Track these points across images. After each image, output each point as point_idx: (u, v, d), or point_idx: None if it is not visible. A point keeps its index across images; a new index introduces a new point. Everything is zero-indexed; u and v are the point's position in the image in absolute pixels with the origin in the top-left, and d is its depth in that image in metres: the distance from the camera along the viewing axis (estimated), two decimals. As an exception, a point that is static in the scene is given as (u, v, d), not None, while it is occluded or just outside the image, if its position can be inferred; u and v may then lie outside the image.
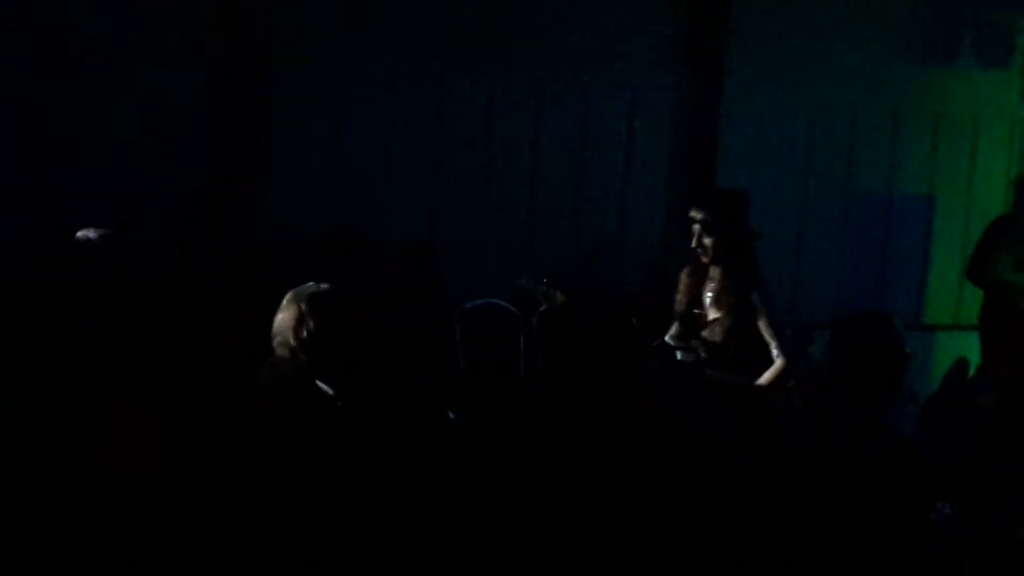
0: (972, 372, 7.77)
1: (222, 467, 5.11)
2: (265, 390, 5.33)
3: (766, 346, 6.92)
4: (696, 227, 6.88)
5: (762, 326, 6.89)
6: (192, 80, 8.40)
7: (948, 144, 10.18)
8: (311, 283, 5.56)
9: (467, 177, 9.07)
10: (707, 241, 6.89)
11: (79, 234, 5.99)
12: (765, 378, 6.85)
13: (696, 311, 7.03)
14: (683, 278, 7.14)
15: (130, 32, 8.25)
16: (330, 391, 5.39)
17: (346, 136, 8.81)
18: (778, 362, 6.94)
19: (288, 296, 5.47)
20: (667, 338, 7.09)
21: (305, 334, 5.36)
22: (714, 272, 6.97)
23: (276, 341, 5.42)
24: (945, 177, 10.18)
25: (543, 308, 7.29)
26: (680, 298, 7.12)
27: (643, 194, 9.40)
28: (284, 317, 5.41)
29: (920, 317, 10.21)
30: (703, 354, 6.94)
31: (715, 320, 6.97)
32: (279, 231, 8.52)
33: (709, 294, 7.01)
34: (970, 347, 8.76)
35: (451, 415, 6.55)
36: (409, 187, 8.94)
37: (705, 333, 6.98)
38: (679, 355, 7.02)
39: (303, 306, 5.39)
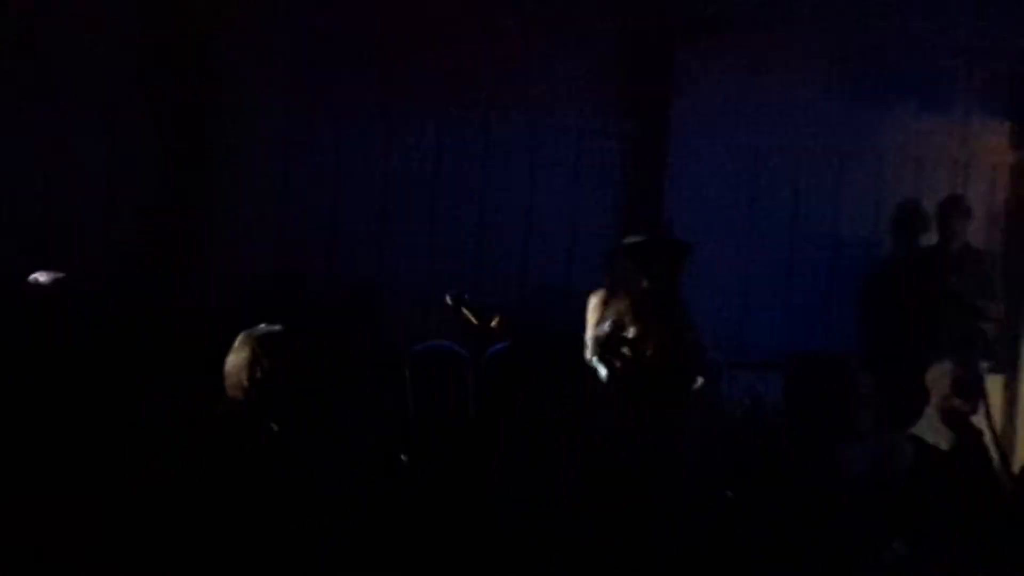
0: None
1: (178, 509, 5.06)
2: (218, 432, 5.29)
3: (686, 364, 6.99)
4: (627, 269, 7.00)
5: (682, 344, 6.97)
6: (135, 124, 8.36)
7: (890, 186, 10.26)
8: (263, 325, 5.54)
9: (414, 218, 9.05)
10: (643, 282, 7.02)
11: (30, 278, 5.95)
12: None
13: (618, 331, 7.08)
14: (598, 301, 7.21)
15: (70, 77, 8.20)
16: (282, 433, 5.37)
17: (291, 178, 8.77)
18: (699, 380, 7.02)
19: (240, 338, 5.45)
20: (587, 357, 7.14)
21: (258, 375, 5.35)
22: (635, 293, 7.06)
23: (228, 383, 5.39)
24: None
25: (493, 348, 7.28)
26: (596, 319, 7.17)
27: (592, 237, 9.41)
28: (236, 359, 5.39)
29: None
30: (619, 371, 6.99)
31: (636, 338, 7.01)
32: (227, 274, 8.45)
33: (629, 315, 7.06)
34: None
35: (403, 457, 6.52)
36: (356, 229, 8.90)
37: (625, 350, 7.02)
38: (601, 372, 7.06)
39: (256, 347, 5.37)
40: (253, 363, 5.34)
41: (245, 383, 5.34)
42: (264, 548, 5.04)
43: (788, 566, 5.44)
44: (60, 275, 5.97)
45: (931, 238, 9.86)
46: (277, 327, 5.52)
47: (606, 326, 7.19)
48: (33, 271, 6.03)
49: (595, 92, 9.45)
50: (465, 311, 7.16)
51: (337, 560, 5.30)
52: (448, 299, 7.23)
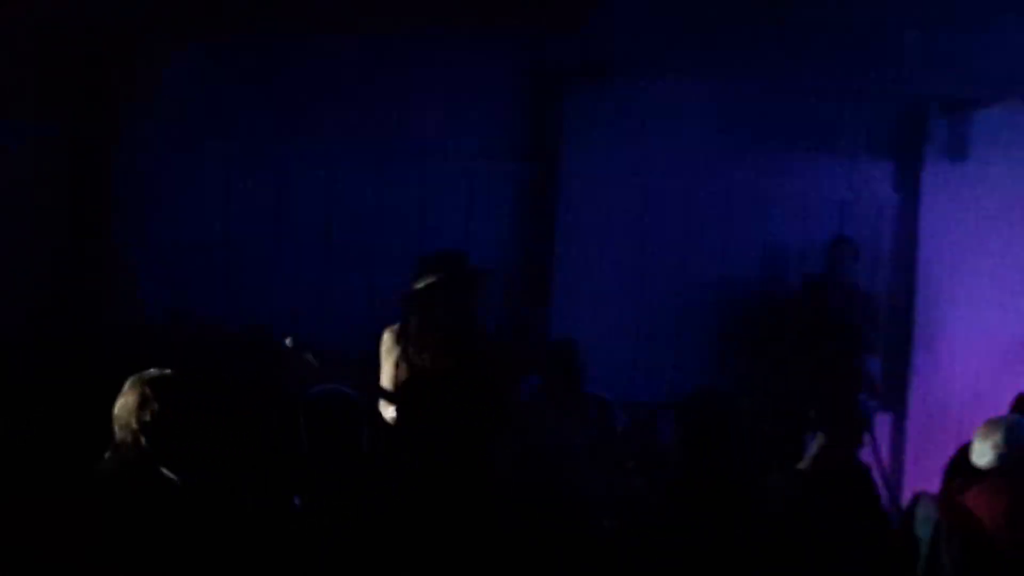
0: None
1: (68, 557, 4.99)
2: (107, 477, 5.23)
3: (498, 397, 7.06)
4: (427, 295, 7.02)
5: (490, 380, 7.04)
6: (35, 157, 8.29)
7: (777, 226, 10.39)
8: (153, 368, 5.49)
9: (306, 260, 9.04)
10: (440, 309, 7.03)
11: None
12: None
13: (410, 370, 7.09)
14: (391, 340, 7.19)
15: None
16: (174, 477, 5.32)
17: (185, 219, 8.73)
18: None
19: (130, 380, 5.40)
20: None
21: (148, 418, 5.30)
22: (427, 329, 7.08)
23: (118, 426, 5.33)
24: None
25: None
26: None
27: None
28: (126, 402, 5.34)
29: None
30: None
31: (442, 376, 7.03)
32: (118, 316, 8.38)
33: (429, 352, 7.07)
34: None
35: (296, 501, 6.50)
36: (249, 268, 8.87)
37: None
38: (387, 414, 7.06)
39: (146, 390, 5.32)
40: (143, 406, 5.30)
41: (135, 426, 5.29)
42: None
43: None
44: None
45: (818, 278, 9.99)
46: (167, 370, 5.48)
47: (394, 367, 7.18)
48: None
49: (486, 134, 9.50)
50: (306, 355, 7.13)
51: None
52: (288, 342, 7.18)
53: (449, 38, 8.73)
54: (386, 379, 7.23)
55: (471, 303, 7.23)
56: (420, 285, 7.10)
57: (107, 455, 5.33)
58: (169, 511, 5.23)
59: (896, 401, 10.66)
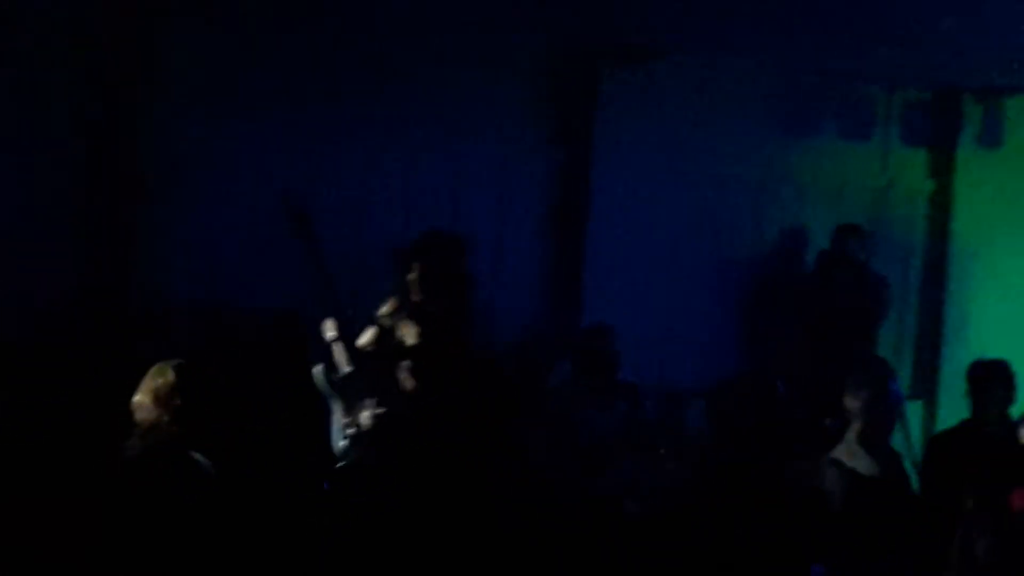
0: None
1: (100, 541, 5.01)
2: (134, 461, 5.25)
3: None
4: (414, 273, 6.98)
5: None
6: (61, 143, 8.28)
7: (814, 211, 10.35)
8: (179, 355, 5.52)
9: (339, 242, 9.02)
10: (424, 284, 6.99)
11: None
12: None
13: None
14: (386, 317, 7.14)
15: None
16: (204, 460, 5.34)
17: (212, 205, 8.69)
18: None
19: (158, 366, 5.44)
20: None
21: (177, 403, 5.31)
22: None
23: (143, 411, 5.34)
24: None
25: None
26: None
27: (516, 261, 9.44)
28: (155, 386, 5.35)
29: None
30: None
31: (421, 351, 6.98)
32: (145, 302, 8.38)
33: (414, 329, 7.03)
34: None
35: (325, 485, 6.52)
36: (279, 253, 8.85)
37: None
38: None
39: (173, 376, 5.34)
40: (171, 392, 5.32)
41: (163, 412, 5.31)
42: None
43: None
44: None
45: (829, 256, 9.95)
46: (194, 357, 5.51)
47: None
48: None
49: (519, 118, 9.48)
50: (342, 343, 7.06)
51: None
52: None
53: (483, 20, 8.69)
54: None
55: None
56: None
57: (129, 440, 5.34)
58: (199, 494, 5.24)
59: (927, 390, 10.64)
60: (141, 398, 5.38)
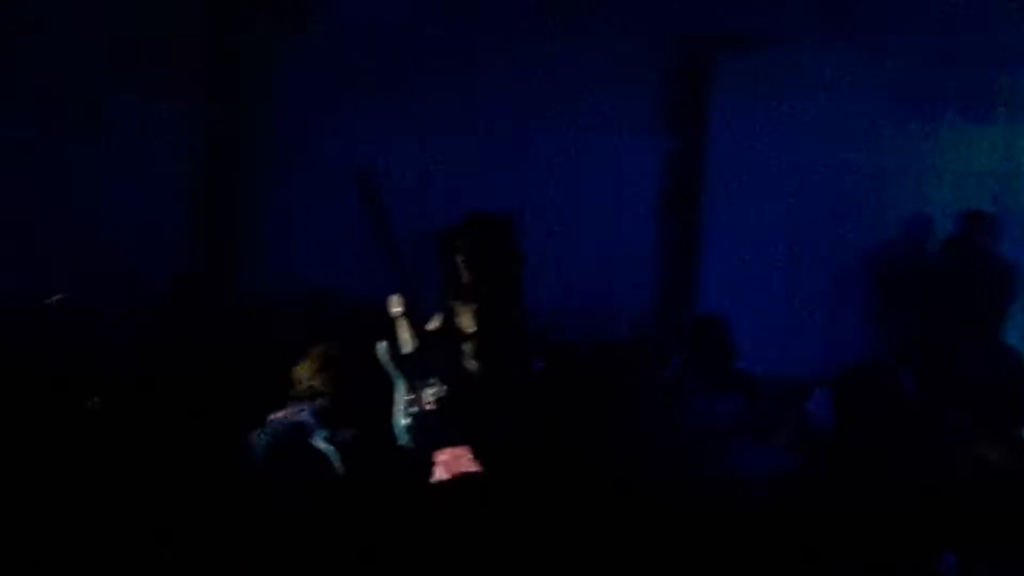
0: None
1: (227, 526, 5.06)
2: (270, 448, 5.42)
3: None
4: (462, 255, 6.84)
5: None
6: (175, 142, 8.40)
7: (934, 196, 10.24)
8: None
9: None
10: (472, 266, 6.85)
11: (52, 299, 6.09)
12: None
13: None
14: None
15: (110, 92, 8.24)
16: (330, 448, 5.50)
17: (321, 196, 8.75)
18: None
19: (315, 348, 6.02)
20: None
21: (340, 380, 5.95)
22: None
23: (299, 388, 5.89)
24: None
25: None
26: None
27: (630, 248, 9.42)
28: (314, 365, 5.94)
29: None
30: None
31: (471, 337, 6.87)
32: (265, 292, 8.47)
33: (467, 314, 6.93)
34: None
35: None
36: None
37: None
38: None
39: (331, 358, 5.95)
40: (322, 370, 5.92)
41: (325, 388, 5.89)
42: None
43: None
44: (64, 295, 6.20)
45: (954, 242, 9.82)
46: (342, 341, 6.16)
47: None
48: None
49: (633, 106, 9.46)
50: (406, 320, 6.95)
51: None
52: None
53: (597, 10, 8.68)
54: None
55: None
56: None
57: (267, 426, 5.56)
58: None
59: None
60: (300, 374, 5.92)
